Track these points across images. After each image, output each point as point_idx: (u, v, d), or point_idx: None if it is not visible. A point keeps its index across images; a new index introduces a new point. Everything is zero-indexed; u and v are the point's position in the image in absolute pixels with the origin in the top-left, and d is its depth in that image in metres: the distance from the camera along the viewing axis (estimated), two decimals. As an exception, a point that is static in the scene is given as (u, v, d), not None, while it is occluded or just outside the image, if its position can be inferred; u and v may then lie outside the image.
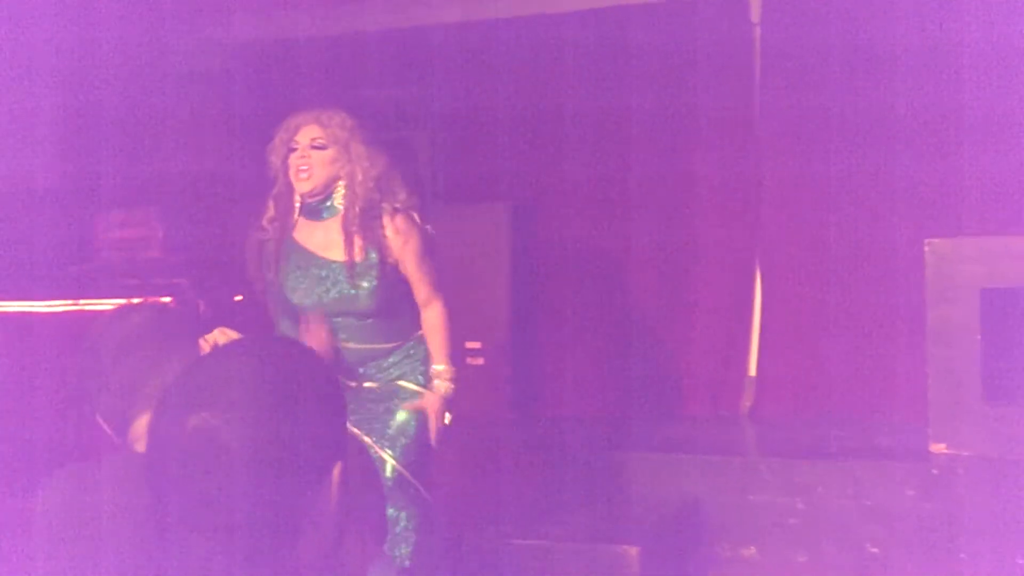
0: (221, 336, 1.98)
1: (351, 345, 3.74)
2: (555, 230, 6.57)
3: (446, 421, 3.82)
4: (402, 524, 3.70)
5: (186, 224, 6.16)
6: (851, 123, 5.92)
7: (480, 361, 6.24)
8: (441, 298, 3.83)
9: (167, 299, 5.18)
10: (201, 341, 2.02)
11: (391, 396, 3.77)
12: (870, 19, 5.86)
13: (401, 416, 3.74)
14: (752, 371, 6.30)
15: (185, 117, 6.89)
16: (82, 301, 5.26)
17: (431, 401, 3.77)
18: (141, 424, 1.92)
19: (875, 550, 4.88)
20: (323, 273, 3.70)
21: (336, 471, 1.32)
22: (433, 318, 3.81)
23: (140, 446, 1.91)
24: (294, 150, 3.66)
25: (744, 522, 5.07)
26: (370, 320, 3.72)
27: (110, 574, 1.78)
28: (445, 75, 6.72)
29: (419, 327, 3.83)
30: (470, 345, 6.21)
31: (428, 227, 3.80)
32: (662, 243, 6.37)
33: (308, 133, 3.66)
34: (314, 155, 3.64)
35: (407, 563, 3.70)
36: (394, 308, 3.76)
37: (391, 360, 3.80)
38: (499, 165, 6.62)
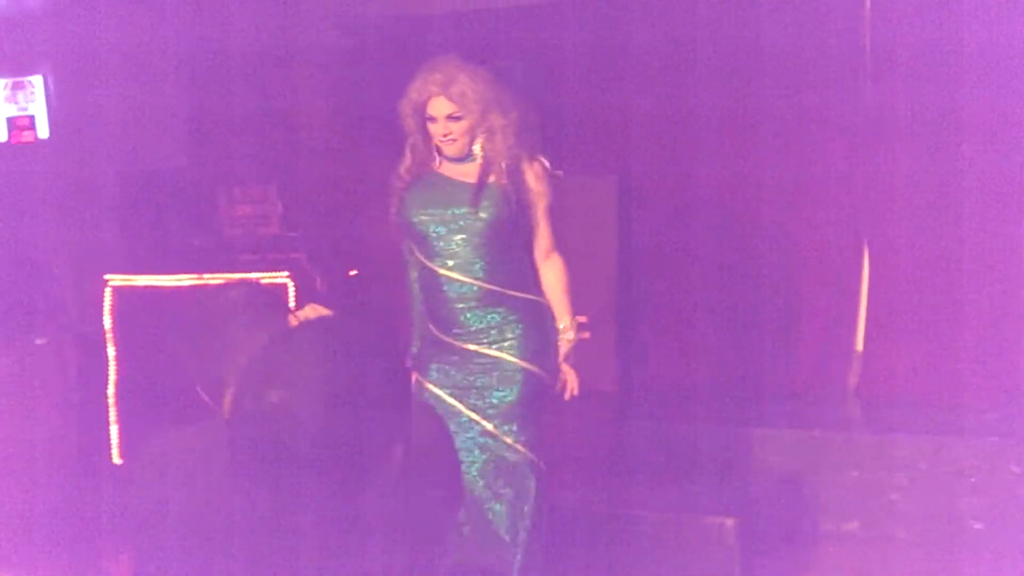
0: (311, 312, 2.10)
1: (454, 274, 3.75)
2: (663, 206, 6.60)
3: (573, 385, 3.89)
4: (525, 496, 3.77)
5: (304, 201, 6.36)
6: (961, 115, 5.82)
7: (587, 335, 6.32)
8: (561, 255, 3.87)
9: (269, 278, 5.36)
10: (291, 317, 2.16)
11: (494, 369, 3.77)
12: (981, 15, 5.74)
13: (507, 392, 3.77)
14: (859, 347, 6.26)
15: (304, 99, 7.09)
16: (205, 275, 5.49)
17: (562, 352, 3.84)
18: (231, 394, 2.09)
19: (979, 526, 4.86)
20: (450, 191, 3.76)
21: (399, 450, 1.40)
22: (555, 271, 3.85)
23: None
24: (432, 120, 3.74)
25: (847, 497, 5.09)
26: (481, 247, 3.73)
27: (202, 534, 1.93)
28: (563, 49, 6.76)
29: (525, 288, 3.81)
30: (577, 319, 6.31)
31: (559, 172, 3.91)
32: (771, 220, 6.35)
33: (441, 107, 3.71)
34: (453, 126, 3.72)
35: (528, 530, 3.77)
36: (505, 246, 3.78)
37: (490, 319, 3.77)
38: (609, 140, 6.68)
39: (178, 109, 7.06)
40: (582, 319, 6.27)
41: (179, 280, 5.59)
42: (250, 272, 5.36)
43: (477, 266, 3.75)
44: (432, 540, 1.49)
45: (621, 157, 6.64)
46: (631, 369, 6.49)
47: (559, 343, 3.86)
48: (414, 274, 3.92)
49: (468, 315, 3.78)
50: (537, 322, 3.83)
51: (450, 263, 3.76)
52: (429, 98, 3.73)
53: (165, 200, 6.50)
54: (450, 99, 3.69)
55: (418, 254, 3.85)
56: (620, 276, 6.38)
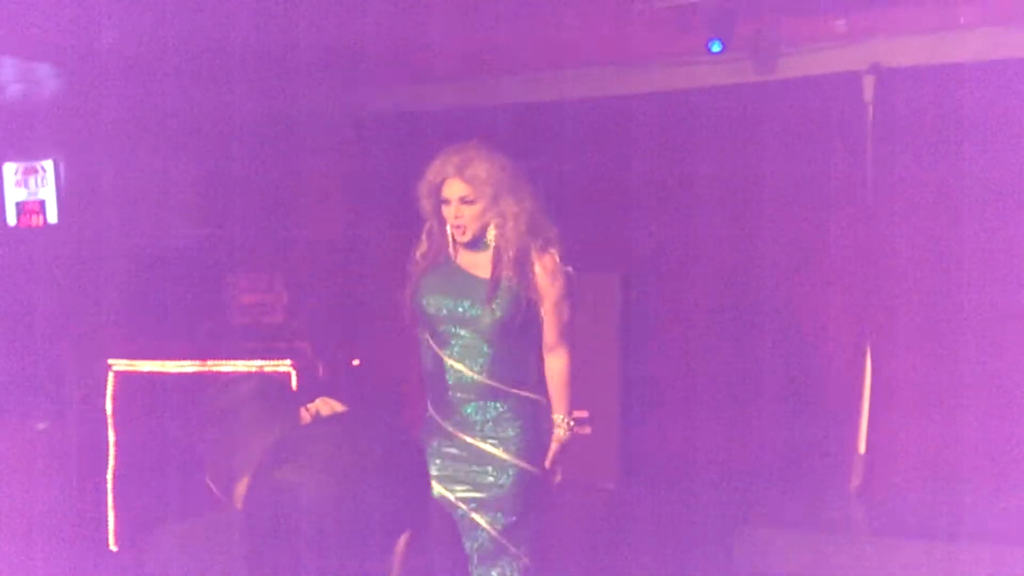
0: (323, 405, 2.11)
1: (458, 366, 3.76)
2: (665, 300, 6.64)
3: (557, 478, 3.85)
4: None
5: (309, 290, 6.39)
6: (962, 193, 5.91)
7: (587, 430, 6.31)
8: (568, 347, 3.83)
9: (272, 366, 5.35)
10: (303, 410, 2.17)
11: (485, 460, 3.75)
12: (979, 94, 5.87)
13: (499, 485, 3.73)
14: (862, 448, 6.25)
15: (312, 189, 7.16)
16: (209, 362, 5.50)
17: (552, 450, 3.80)
18: (243, 485, 2.09)
19: (984, 635, 4.80)
20: (463, 284, 3.77)
21: (403, 539, 1.41)
22: (558, 365, 3.82)
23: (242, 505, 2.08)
24: (446, 203, 3.76)
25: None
26: (487, 343, 3.74)
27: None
28: (560, 148, 6.88)
29: (525, 386, 3.79)
30: (577, 414, 6.29)
31: (569, 268, 3.83)
32: (770, 317, 6.40)
33: (455, 189, 3.73)
34: (465, 210, 3.73)
35: None
36: (511, 346, 3.77)
37: (488, 412, 3.77)
38: (611, 235, 6.75)
39: (187, 197, 7.13)
40: (583, 414, 6.30)
41: (182, 367, 5.59)
42: (253, 360, 5.37)
43: (481, 361, 3.76)
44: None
45: (623, 253, 6.71)
46: (632, 465, 6.46)
47: (559, 439, 3.83)
48: (426, 359, 3.93)
49: (467, 406, 3.78)
50: (534, 420, 3.82)
51: (456, 352, 3.78)
52: (444, 180, 3.75)
53: (171, 287, 6.53)
54: (464, 181, 3.71)
55: (429, 339, 3.87)
56: (622, 372, 6.39)
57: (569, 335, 3.85)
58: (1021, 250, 5.78)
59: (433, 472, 3.77)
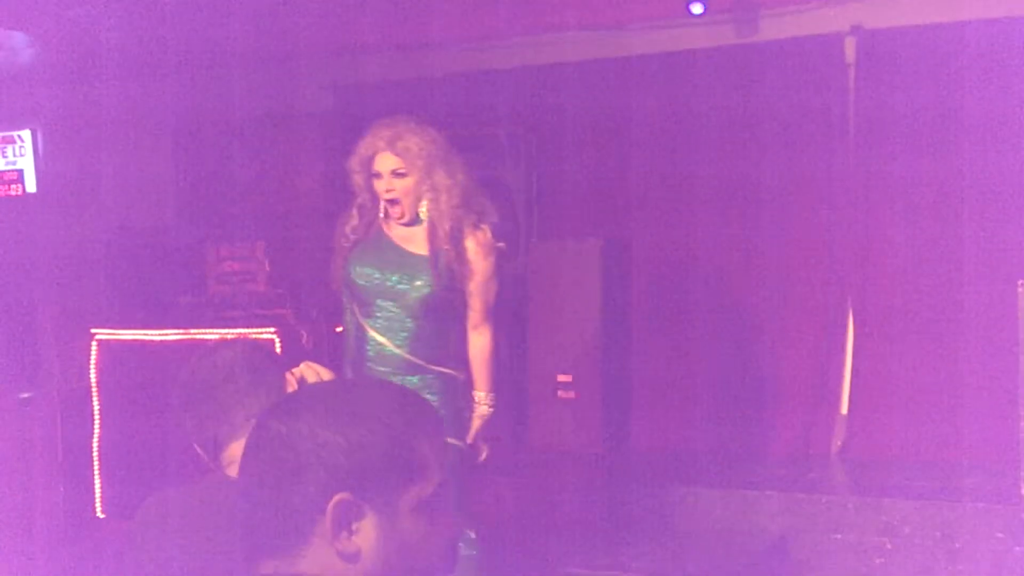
0: (307, 370, 2.12)
1: (380, 338, 3.76)
2: (647, 266, 6.65)
3: (482, 455, 3.86)
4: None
5: (291, 257, 6.38)
6: (948, 155, 5.93)
7: (571, 395, 6.34)
8: (492, 326, 3.85)
9: (256, 333, 5.35)
10: (288, 375, 2.18)
11: None
12: (962, 54, 5.87)
13: None
14: (844, 409, 6.29)
15: (292, 157, 7.14)
16: (192, 330, 5.49)
17: (474, 426, 3.81)
18: (233, 449, 2.10)
19: (964, 592, 4.85)
20: (394, 258, 3.77)
21: (337, 498, 1.40)
22: (481, 343, 3.84)
23: (232, 470, 2.09)
24: (377, 176, 3.75)
25: (830, 561, 5.08)
26: (411, 318, 3.75)
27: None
28: (541, 115, 6.87)
29: (442, 362, 3.80)
30: (562, 378, 6.33)
31: (501, 244, 3.83)
32: (753, 281, 6.42)
33: (387, 162, 3.72)
34: (397, 183, 3.73)
35: None
36: (435, 323, 3.78)
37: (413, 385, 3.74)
38: (592, 202, 6.75)
39: (166, 166, 7.10)
40: (567, 378, 6.33)
41: (165, 335, 5.58)
42: (236, 328, 5.36)
43: (404, 335, 3.78)
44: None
45: (606, 220, 6.71)
46: (616, 431, 6.49)
47: (472, 415, 3.84)
48: (348, 329, 3.93)
49: (386, 376, 3.76)
50: (453, 396, 3.82)
51: (379, 325, 3.79)
52: (376, 153, 3.74)
53: (152, 255, 6.51)
54: (396, 154, 3.70)
55: (355, 310, 3.87)
56: (605, 338, 6.41)
57: (494, 315, 3.86)
58: (1006, 211, 5.80)
59: None
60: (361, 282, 3.81)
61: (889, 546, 4.99)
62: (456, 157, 3.80)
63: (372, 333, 3.79)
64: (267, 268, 5.89)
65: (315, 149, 7.22)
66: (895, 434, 6.04)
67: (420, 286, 3.75)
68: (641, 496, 5.53)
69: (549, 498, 5.62)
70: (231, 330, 5.43)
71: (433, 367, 3.78)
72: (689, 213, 6.49)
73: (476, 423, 3.84)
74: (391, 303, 3.77)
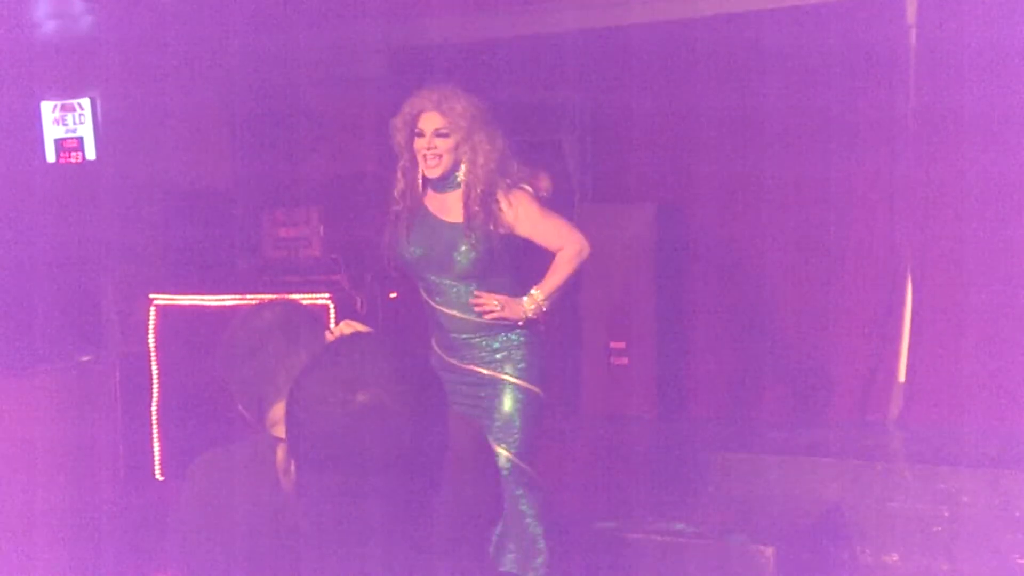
0: (347, 328, 2.13)
1: (448, 311, 3.86)
2: (701, 231, 6.60)
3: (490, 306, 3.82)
4: (526, 511, 3.82)
5: (346, 223, 6.41)
6: (1004, 125, 5.80)
7: (625, 361, 6.33)
8: (577, 239, 3.85)
9: (311, 299, 5.39)
10: (327, 333, 2.19)
11: (495, 386, 3.85)
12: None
13: (507, 408, 3.83)
14: (902, 377, 6.22)
15: (349, 122, 7.15)
16: (248, 296, 5.54)
17: (513, 310, 3.81)
18: (277, 410, 2.12)
19: (1022, 561, 4.79)
20: (436, 232, 3.85)
21: (280, 451, 1.44)
22: (567, 252, 3.86)
23: (277, 430, 2.10)
24: (420, 135, 3.82)
25: (887, 528, 5.04)
26: (472, 286, 3.83)
27: (250, 550, 1.96)
28: (594, 78, 6.82)
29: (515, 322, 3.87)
30: (615, 345, 6.32)
31: (528, 188, 3.87)
32: (810, 246, 6.35)
33: (431, 121, 3.79)
34: (439, 143, 3.80)
35: (542, 549, 3.82)
36: (495, 279, 3.85)
37: (496, 346, 3.87)
38: (646, 166, 6.70)
39: (223, 132, 7.14)
40: (619, 345, 6.32)
41: (222, 300, 5.64)
42: (292, 293, 5.40)
43: (467, 302, 3.85)
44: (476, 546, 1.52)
45: (658, 184, 6.66)
46: (671, 398, 6.48)
47: (521, 303, 3.83)
48: (425, 304, 4.02)
49: (467, 343, 3.89)
50: (534, 346, 3.90)
51: (440, 299, 3.90)
52: (421, 112, 3.82)
53: (209, 221, 6.57)
54: (441, 113, 3.78)
55: (421, 289, 3.99)
56: (658, 304, 6.38)
57: (571, 232, 3.87)
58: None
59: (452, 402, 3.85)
60: (412, 261, 3.91)
61: (947, 514, 4.94)
62: (498, 125, 3.85)
63: (440, 308, 3.90)
64: (322, 234, 5.93)
65: (371, 114, 7.23)
66: (954, 401, 5.96)
67: (465, 251, 3.81)
68: (696, 461, 5.52)
69: (601, 461, 5.63)
70: (286, 296, 5.47)
71: (512, 327, 3.86)
72: (745, 177, 6.41)
73: (513, 307, 3.81)
74: (446, 277, 3.86)
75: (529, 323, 3.88)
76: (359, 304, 5.70)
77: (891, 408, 6.19)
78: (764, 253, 6.43)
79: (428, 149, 3.80)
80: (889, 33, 6.17)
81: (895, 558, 5.01)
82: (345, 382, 1.42)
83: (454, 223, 3.84)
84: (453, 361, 3.90)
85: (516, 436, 3.82)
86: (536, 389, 3.89)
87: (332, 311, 5.52)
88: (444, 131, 3.79)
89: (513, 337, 3.87)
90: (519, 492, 3.82)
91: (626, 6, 6.70)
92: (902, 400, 6.17)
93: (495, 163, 3.79)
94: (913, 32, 6.15)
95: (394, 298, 6.16)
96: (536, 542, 3.84)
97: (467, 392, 3.87)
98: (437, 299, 3.90)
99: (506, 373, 3.85)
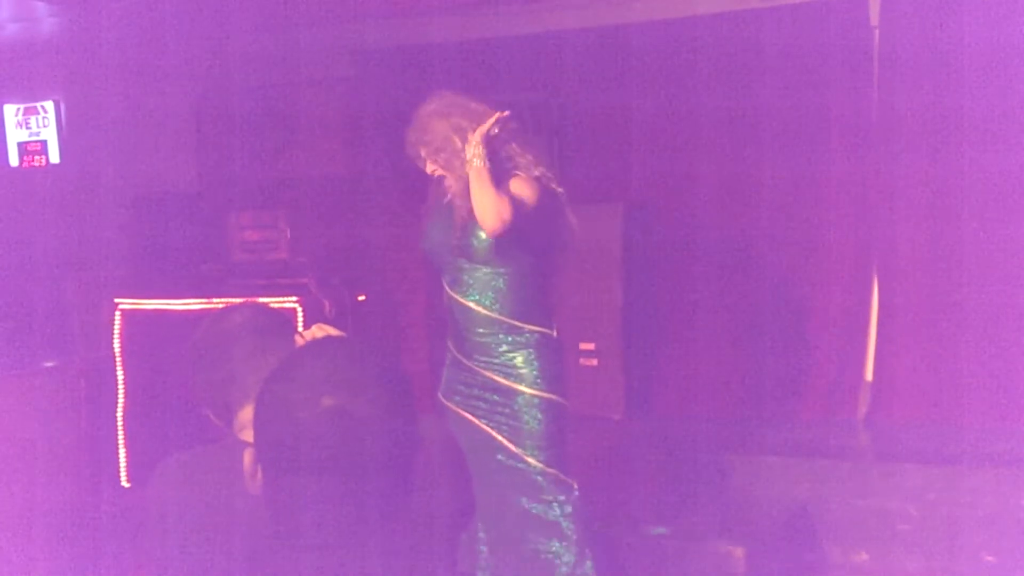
0: (319, 331, 2.11)
1: (469, 303, 3.86)
2: (669, 231, 6.61)
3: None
4: (565, 516, 3.84)
5: (313, 226, 6.39)
6: (968, 124, 5.84)
7: (593, 362, 6.33)
8: (496, 219, 3.70)
9: (278, 302, 5.36)
10: (297, 336, 2.17)
11: (515, 398, 3.85)
12: (988, 19, 5.77)
13: (531, 422, 3.83)
14: (869, 376, 6.25)
15: (313, 126, 7.13)
16: (214, 299, 5.50)
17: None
18: (245, 414, 2.09)
19: (991, 559, 4.82)
20: (449, 218, 3.87)
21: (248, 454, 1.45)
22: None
23: (245, 435, 2.08)
24: (423, 160, 3.91)
25: (856, 527, 5.06)
26: (493, 276, 3.84)
27: (219, 552, 1.94)
28: (562, 80, 6.83)
29: (535, 321, 3.89)
30: (584, 346, 6.31)
31: (536, 175, 3.87)
32: (778, 246, 6.37)
33: (419, 152, 3.88)
34: (433, 164, 3.89)
35: (588, 555, 3.86)
36: (519, 276, 3.86)
37: (504, 348, 3.86)
38: (613, 166, 6.70)
39: (188, 135, 7.10)
40: (588, 346, 6.32)
41: (188, 304, 5.60)
42: (259, 297, 5.37)
43: (490, 295, 3.86)
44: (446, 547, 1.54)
45: (625, 184, 6.67)
46: (638, 399, 6.48)
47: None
48: (446, 301, 4.03)
49: (480, 343, 3.88)
50: (547, 352, 3.91)
51: (465, 290, 3.89)
52: (415, 149, 3.90)
53: (174, 225, 6.52)
54: (423, 146, 3.86)
55: (443, 282, 3.99)
56: (626, 305, 6.38)
57: (504, 206, 3.72)
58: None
59: (465, 407, 3.93)
60: (435, 255, 3.96)
61: (915, 512, 4.96)
62: (476, 120, 3.80)
63: (460, 299, 3.89)
64: (289, 237, 5.90)
65: (338, 117, 7.21)
66: (921, 400, 6.00)
67: (482, 235, 3.80)
68: (664, 462, 5.52)
69: (575, 464, 5.61)
70: (253, 299, 5.44)
71: (526, 326, 3.87)
72: (709, 177, 6.43)
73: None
74: (465, 260, 3.86)
75: (543, 331, 3.90)
76: (327, 308, 5.68)
77: (859, 407, 6.22)
78: (731, 253, 6.45)
79: (430, 169, 3.90)
80: (853, 34, 6.20)
81: (864, 557, 5.03)
82: (313, 387, 1.41)
83: (470, 208, 3.82)
84: (470, 365, 3.91)
85: (544, 446, 3.84)
86: (557, 398, 3.89)
87: (300, 314, 5.50)
88: (432, 157, 3.86)
89: (529, 341, 3.87)
90: (560, 498, 3.85)
91: (590, 7, 6.70)
92: (870, 399, 6.20)
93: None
94: (877, 33, 6.19)
95: (362, 301, 6.14)
96: (582, 548, 3.85)
97: (487, 400, 3.89)
98: (456, 289, 3.89)
99: (525, 384, 3.85)
